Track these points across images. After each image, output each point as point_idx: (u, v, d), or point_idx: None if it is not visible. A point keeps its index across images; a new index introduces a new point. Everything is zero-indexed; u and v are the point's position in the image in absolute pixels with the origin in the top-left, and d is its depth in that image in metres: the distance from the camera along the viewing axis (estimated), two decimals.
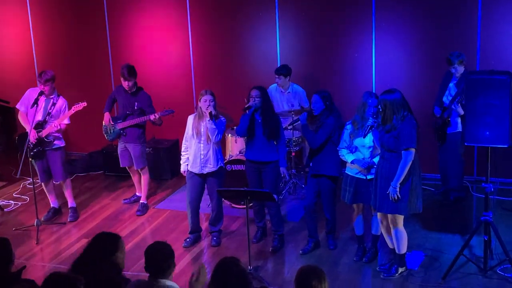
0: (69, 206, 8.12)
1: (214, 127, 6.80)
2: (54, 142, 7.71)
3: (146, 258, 4.30)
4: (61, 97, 7.74)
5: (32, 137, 7.52)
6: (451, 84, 7.64)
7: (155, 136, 9.52)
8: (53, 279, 3.89)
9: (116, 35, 9.83)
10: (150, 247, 4.35)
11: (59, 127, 7.58)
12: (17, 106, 7.81)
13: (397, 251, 6.15)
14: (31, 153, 7.61)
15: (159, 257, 4.26)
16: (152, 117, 7.79)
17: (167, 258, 4.29)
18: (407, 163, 5.73)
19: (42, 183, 8.03)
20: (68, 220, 7.97)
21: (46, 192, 8.12)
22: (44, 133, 7.59)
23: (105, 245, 4.47)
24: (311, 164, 6.69)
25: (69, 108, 7.69)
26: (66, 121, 7.67)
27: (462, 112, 7.32)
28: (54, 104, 7.64)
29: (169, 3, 9.45)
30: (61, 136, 7.80)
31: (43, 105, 7.62)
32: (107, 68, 9.93)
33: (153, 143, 9.38)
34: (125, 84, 7.86)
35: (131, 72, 7.82)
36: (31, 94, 7.72)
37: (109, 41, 9.88)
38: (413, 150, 5.74)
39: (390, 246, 6.27)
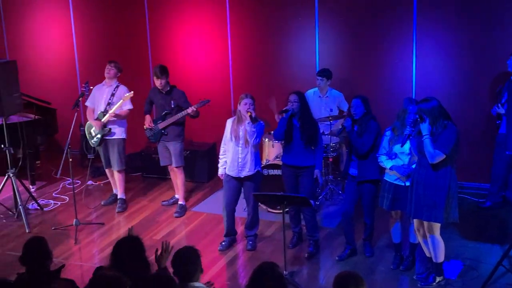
0: (118, 197, 8.44)
1: (254, 129, 6.82)
2: (113, 131, 8.17)
3: (173, 264, 4.36)
4: (120, 86, 8.23)
5: (97, 125, 8.16)
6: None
7: (192, 139, 9.58)
8: (101, 278, 3.95)
9: (156, 38, 9.92)
10: (176, 254, 4.42)
11: (114, 117, 8.10)
12: (86, 103, 8.40)
13: (434, 259, 6.07)
14: (93, 141, 8.26)
15: (186, 262, 4.34)
16: (190, 110, 7.87)
17: (193, 262, 4.36)
18: (428, 155, 5.64)
19: (106, 170, 8.55)
20: (116, 211, 8.31)
21: (110, 178, 8.61)
22: (104, 119, 8.09)
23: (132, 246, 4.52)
24: (355, 172, 6.65)
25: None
26: (128, 107, 8.17)
27: None
28: (113, 94, 8.13)
29: (209, 7, 9.50)
30: (123, 127, 8.28)
31: (103, 94, 8.20)
32: (146, 70, 10.02)
33: (191, 146, 9.44)
34: (157, 82, 7.99)
35: (162, 70, 7.97)
36: (95, 90, 8.27)
37: (149, 44, 9.98)
38: (442, 155, 5.65)
39: (428, 254, 6.19)
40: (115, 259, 4.45)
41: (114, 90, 8.18)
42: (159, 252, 4.54)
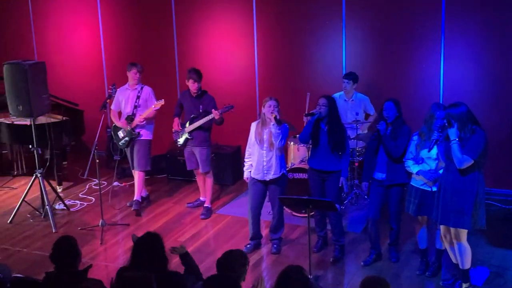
0: (134, 198, 8.48)
1: (279, 131, 6.82)
2: (141, 133, 8.21)
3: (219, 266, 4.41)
4: (145, 87, 8.30)
5: (123, 124, 8.27)
6: None
7: (218, 142, 9.60)
8: (127, 277, 3.98)
9: (183, 41, 9.97)
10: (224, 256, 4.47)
11: (143, 122, 8.17)
12: (111, 107, 8.43)
13: (460, 266, 6.02)
14: (120, 143, 8.33)
15: (233, 265, 4.40)
16: (214, 114, 7.87)
17: (241, 265, 4.44)
18: (456, 160, 5.59)
19: (132, 171, 8.55)
20: (133, 209, 8.34)
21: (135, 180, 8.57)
22: (133, 124, 8.14)
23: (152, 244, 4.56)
24: (381, 176, 6.61)
25: (155, 95, 8.29)
26: (155, 108, 8.16)
27: None
28: (138, 97, 8.19)
29: (235, 10, 9.52)
30: (149, 128, 8.32)
31: (129, 99, 8.25)
32: (173, 73, 10.07)
33: (216, 149, 9.46)
34: (194, 86, 8.00)
35: (199, 74, 8.03)
36: (119, 93, 8.32)
37: (176, 47, 10.02)
38: (470, 161, 5.59)
39: (454, 261, 6.13)
40: (134, 257, 4.47)
41: (139, 93, 8.23)
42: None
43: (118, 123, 8.30)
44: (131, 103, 8.23)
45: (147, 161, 8.38)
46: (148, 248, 4.50)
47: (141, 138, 8.27)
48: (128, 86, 8.32)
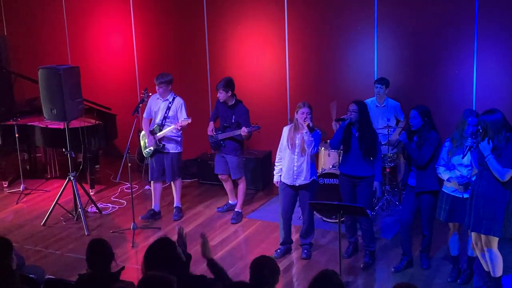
0: (174, 205, 8.45)
1: (312, 139, 6.81)
2: (166, 147, 8.13)
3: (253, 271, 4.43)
4: (177, 97, 8.17)
5: (150, 141, 8.14)
6: None
7: (249, 147, 9.63)
8: (150, 279, 4.01)
9: (214, 47, 10.01)
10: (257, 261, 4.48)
11: (174, 132, 8.07)
12: (143, 115, 8.36)
13: (492, 274, 5.95)
14: (145, 151, 8.26)
15: (266, 273, 4.39)
16: (242, 131, 7.92)
17: (274, 273, 4.42)
18: (497, 175, 5.55)
19: (151, 182, 8.45)
20: (172, 219, 8.34)
21: (152, 191, 8.45)
22: (158, 136, 8.08)
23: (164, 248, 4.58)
24: (414, 182, 6.57)
25: (186, 108, 8.16)
26: (179, 125, 8.01)
27: None
28: (169, 108, 8.08)
29: (267, 16, 9.54)
30: (178, 141, 8.22)
31: (159, 109, 8.15)
32: (204, 79, 10.12)
33: (247, 153, 9.47)
34: (219, 95, 8.03)
35: (225, 83, 8.00)
36: (151, 101, 8.23)
37: (208, 53, 10.08)
38: (510, 171, 5.54)
39: (486, 268, 6.07)
40: (147, 262, 4.49)
41: (170, 104, 8.12)
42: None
43: (147, 134, 8.20)
44: (162, 114, 8.14)
45: (176, 172, 8.31)
46: (159, 254, 4.51)
47: (169, 151, 8.18)
48: (159, 96, 8.18)
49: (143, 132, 8.36)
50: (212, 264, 4.78)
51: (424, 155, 6.39)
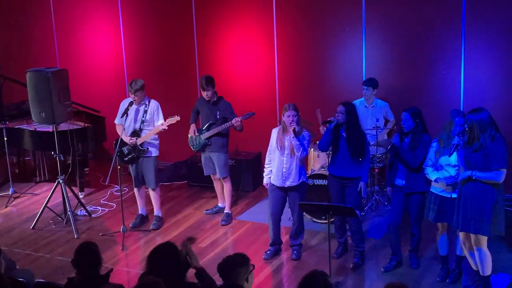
0: (154, 214, 8.32)
1: (299, 143, 6.82)
2: (149, 150, 7.97)
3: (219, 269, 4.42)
4: (152, 100, 7.98)
5: (130, 141, 7.90)
6: None
7: (238, 148, 9.64)
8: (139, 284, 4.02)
9: (203, 49, 10.02)
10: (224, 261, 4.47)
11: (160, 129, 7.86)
12: (115, 121, 8.12)
13: (481, 273, 5.98)
14: (125, 159, 7.98)
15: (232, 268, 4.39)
16: (234, 121, 7.90)
17: (238, 266, 4.40)
18: (494, 180, 5.59)
19: (135, 189, 8.31)
20: (151, 228, 8.15)
21: (137, 198, 8.37)
22: (139, 141, 7.89)
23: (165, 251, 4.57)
24: (402, 182, 6.61)
25: (161, 110, 7.97)
26: (163, 127, 7.85)
27: None
28: (146, 111, 7.91)
29: (256, 16, 9.55)
30: (157, 145, 8.05)
31: (136, 113, 7.92)
32: (194, 80, 10.12)
33: (236, 155, 9.50)
34: (204, 94, 8.02)
35: (207, 81, 7.97)
36: (123, 105, 8.01)
37: (197, 54, 10.08)
38: (504, 170, 5.59)
39: (474, 267, 6.11)
40: (150, 265, 4.50)
41: (147, 107, 7.92)
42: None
43: (125, 138, 7.92)
44: (139, 118, 7.92)
45: (158, 178, 8.21)
46: (163, 259, 4.49)
47: (151, 155, 8.02)
48: (135, 103, 7.89)
49: (120, 139, 7.88)
50: (201, 274, 4.68)
51: (418, 157, 6.40)
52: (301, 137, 6.87)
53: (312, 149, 8.38)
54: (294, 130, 6.77)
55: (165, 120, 7.89)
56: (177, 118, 7.86)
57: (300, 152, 6.85)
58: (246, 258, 4.47)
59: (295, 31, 9.38)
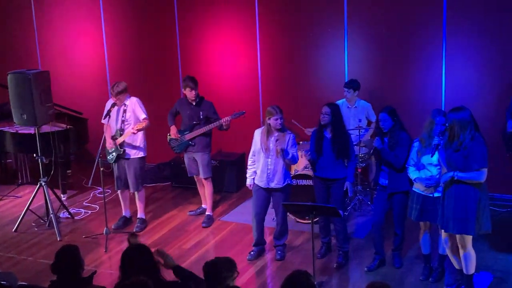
0: (138, 216, 8.29)
1: (290, 158, 6.91)
2: (127, 152, 7.91)
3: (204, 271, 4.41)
4: (130, 98, 7.91)
5: (109, 144, 7.86)
6: None
7: (222, 149, 9.64)
8: (125, 284, 4.01)
9: (186, 49, 10.02)
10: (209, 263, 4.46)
11: (131, 133, 7.78)
12: (102, 121, 8.02)
13: (465, 271, 6.02)
14: (108, 157, 7.98)
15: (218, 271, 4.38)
16: (223, 120, 7.89)
17: (227, 270, 4.41)
18: (476, 180, 5.64)
19: (118, 191, 8.27)
20: (134, 230, 8.10)
21: (121, 200, 8.33)
22: (118, 141, 7.85)
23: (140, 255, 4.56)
24: (385, 182, 6.64)
25: (143, 105, 7.93)
26: (143, 116, 7.83)
27: None
28: (125, 111, 7.87)
29: (238, 17, 9.56)
30: (139, 146, 7.97)
31: (116, 114, 7.88)
32: (176, 80, 10.11)
33: (220, 156, 9.49)
34: (191, 94, 7.98)
35: (195, 81, 7.97)
36: (108, 106, 7.97)
37: (179, 55, 10.07)
38: (485, 169, 5.63)
39: (456, 266, 6.15)
40: (124, 270, 4.47)
41: (125, 107, 7.86)
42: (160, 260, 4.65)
43: (108, 140, 7.91)
44: (119, 118, 7.89)
45: (139, 181, 8.12)
46: (135, 260, 4.48)
47: (130, 157, 7.95)
48: (117, 104, 7.87)
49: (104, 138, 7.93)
50: (178, 271, 4.71)
51: (400, 157, 6.43)
52: (286, 144, 6.90)
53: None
54: (282, 150, 6.85)
55: (146, 115, 7.84)
56: (144, 122, 7.76)
57: (296, 162, 7.10)
58: (233, 264, 4.47)
59: (278, 31, 9.39)
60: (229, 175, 9.38)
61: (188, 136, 8.09)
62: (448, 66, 8.48)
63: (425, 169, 6.22)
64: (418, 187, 6.28)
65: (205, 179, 8.29)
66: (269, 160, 6.96)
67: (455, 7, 8.31)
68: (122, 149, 7.89)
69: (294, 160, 7.02)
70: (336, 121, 6.79)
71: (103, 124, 7.95)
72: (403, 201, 6.58)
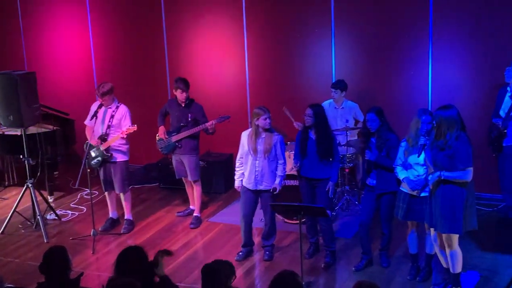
0: (125, 218, 8.27)
1: (282, 178, 7.08)
2: (114, 156, 7.88)
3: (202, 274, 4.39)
4: (121, 106, 7.88)
5: (94, 141, 7.80)
6: (506, 98, 7.57)
7: (209, 150, 9.63)
8: (114, 285, 4.00)
9: (174, 50, 10.01)
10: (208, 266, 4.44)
11: (120, 138, 7.75)
12: (85, 122, 8.01)
13: (451, 270, 6.05)
14: (92, 162, 7.88)
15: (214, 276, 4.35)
16: (208, 124, 7.87)
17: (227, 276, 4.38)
18: (462, 179, 5.67)
19: (105, 193, 8.24)
20: (122, 231, 8.08)
21: (108, 201, 8.30)
22: (104, 146, 7.79)
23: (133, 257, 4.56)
24: (373, 182, 6.66)
25: (131, 116, 7.88)
26: (121, 135, 7.78)
27: None
28: (113, 116, 7.82)
29: (226, 18, 9.56)
30: (125, 150, 7.95)
31: (103, 117, 7.83)
32: (164, 82, 10.10)
33: (208, 156, 9.48)
34: (182, 96, 7.96)
35: (187, 84, 7.96)
36: (94, 107, 7.92)
37: (167, 56, 10.06)
38: (471, 169, 5.66)
39: (444, 265, 6.18)
40: (118, 269, 4.47)
41: (114, 112, 7.82)
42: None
43: (92, 141, 7.83)
44: (106, 122, 7.82)
45: (125, 184, 8.09)
46: (131, 263, 4.47)
47: (116, 160, 7.91)
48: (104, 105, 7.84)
49: (88, 142, 7.85)
50: (166, 282, 4.66)
51: (394, 159, 6.44)
52: (273, 147, 6.93)
53: None
54: (274, 190, 7.03)
55: (132, 125, 7.80)
56: (133, 127, 7.73)
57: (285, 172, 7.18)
58: (233, 269, 4.48)
59: (265, 32, 9.40)
60: (217, 176, 9.37)
61: (175, 137, 8.07)
62: (434, 67, 8.52)
63: (412, 169, 6.24)
64: (405, 187, 6.30)
65: (194, 181, 8.27)
66: (257, 162, 6.96)
67: (441, 7, 8.35)
68: (109, 153, 7.85)
69: (284, 176, 7.13)
70: (319, 123, 6.81)
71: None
72: (391, 201, 6.59)
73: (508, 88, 7.58)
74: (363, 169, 6.81)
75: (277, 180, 7.02)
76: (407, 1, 8.57)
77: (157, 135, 8.23)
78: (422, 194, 6.18)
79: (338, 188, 8.25)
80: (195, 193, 8.35)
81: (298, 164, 6.91)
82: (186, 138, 8.05)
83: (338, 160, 6.99)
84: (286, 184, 7.93)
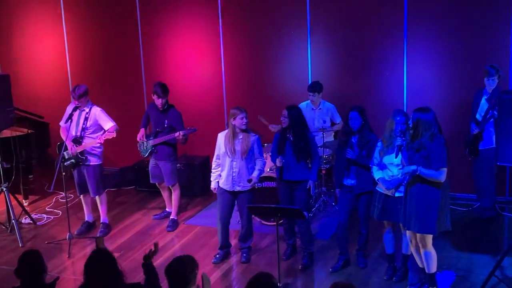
0: (101, 221, 8.21)
1: (259, 174, 7.09)
2: (88, 159, 7.81)
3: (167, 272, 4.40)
4: (93, 106, 7.79)
5: (70, 149, 7.72)
6: (482, 101, 7.64)
7: (186, 153, 9.60)
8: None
9: (149, 53, 9.96)
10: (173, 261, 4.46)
11: (97, 143, 7.71)
12: (60, 123, 7.94)
13: (426, 270, 6.09)
14: (65, 164, 7.78)
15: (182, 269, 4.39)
16: (176, 134, 7.84)
17: (190, 270, 4.41)
18: (436, 178, 5.71)
19: (80, 196, 8.17)
20: (98, 235, 8.01)
21: (83, 205, 8.24)
22: (79, 149, 7.73)
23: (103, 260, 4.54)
24: (350, 182, 6.68)
25: (107, 114, 7.82)
26: (110, 125, 7.75)
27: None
28: (87, 118, 7.74)
29: (201, 21, 9.55)
30: (98, 153, 7.89)
31: (77, 120, 7.76)
32: (140, 85, 10.05)
33: (185, 159, 9.45)
34: (158, 102, 7.92)
35: (164, 90, 7.90)
36: (69, 109, 7.83)
37: (142, 59, 10.01)
38: (445, 169, 5.71)
39: (420, 265, 6.22)
40: (88, 276, 4.43)
41: (87, 114, 7.73)
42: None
43: (68, 144, 7.75)
44: (80, 125, 7.74)
45: (100, 187, 8.02)
46: (100, 265, 4.44)
47: (90, 163, 7.85)
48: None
49: (62, 143, 7.75)
50: (147, 266, 4.77)
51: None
52: (250, 147, 6.94)
53: None
54: (250, 180, 7.02)
55: (113, 121, 7.77)
56: (113, 134, 7.69)
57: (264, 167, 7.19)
58: (195, 262, 4.50)
59: (241, 34, 9.40)
60: (193, 178, 9.34)
61: (152, 142, 8.04)
62: (409, 68, 8.59)
63: (387, 169, 6.28)
64: (381, 187, 6.34)
65: (172, 186, 8.25)
66: (235, 163, 6.96)
67: (415, 9, 8.42)
68: (83, 156, 7.79)
69: (263, 171, 7.13)
70: (295, 124, 6.82)
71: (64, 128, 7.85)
72: (369, 201, 6.62)
73: (484, 92, 7.65)
74: (337, 170, 6.79)
75: (255, 173, 7.01)
76: (382, 3, 8.62)
77: (138, 137, 8.20)
78: (397, 194, 6.22)
79: (315, 189, 8.26)
80: (173, 197, 8.32)
81: (283, 160, 6.88)
82: (161, 144, 8.02)
83: (317, 158, 7.01)
84: (264, 186, 7.94)
